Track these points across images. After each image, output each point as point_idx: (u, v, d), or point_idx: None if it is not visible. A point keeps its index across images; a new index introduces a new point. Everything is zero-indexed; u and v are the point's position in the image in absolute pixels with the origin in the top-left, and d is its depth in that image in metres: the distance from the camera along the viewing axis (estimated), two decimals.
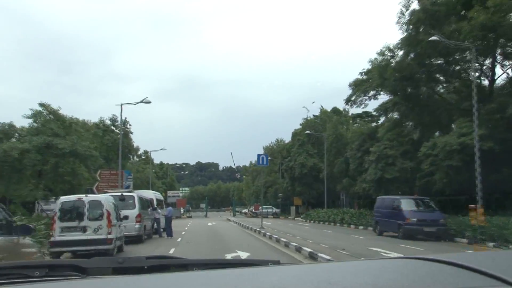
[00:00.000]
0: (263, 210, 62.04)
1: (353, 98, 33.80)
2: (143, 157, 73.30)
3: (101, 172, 36.79)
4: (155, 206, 21.97)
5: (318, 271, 1.36)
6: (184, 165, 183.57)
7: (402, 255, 1.62)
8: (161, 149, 56.00)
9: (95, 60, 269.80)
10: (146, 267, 1.78)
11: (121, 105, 30.59)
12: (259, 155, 23.78)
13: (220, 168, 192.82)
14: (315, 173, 57.28)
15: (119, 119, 42.78)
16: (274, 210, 59.96)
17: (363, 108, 34.74)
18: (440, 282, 1.07)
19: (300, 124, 66.93)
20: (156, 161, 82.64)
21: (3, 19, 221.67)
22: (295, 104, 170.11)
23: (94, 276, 1.66)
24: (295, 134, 64.90)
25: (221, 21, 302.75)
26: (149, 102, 30.77)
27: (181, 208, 60.15)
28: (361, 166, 33.07)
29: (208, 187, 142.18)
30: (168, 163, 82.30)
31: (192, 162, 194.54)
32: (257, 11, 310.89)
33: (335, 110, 62.92)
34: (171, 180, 77.04)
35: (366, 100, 33.24)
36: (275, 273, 1.34)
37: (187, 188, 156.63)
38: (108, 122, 41.88)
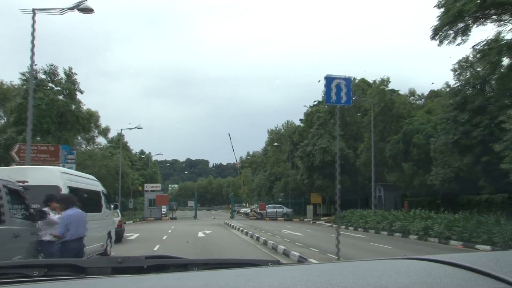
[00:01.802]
0: (270, 210, 47.95)
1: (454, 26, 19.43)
2: (125, 144, 58.99)
3: (20, 148, 22.35)
4: (44, 208, 7.42)
5: (320, 271, 1.32)
6: (173, 162, 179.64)
7: (404, 256, 1.43)
8: (136, 127, 41.58)
9: (85, 57, 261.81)
10: (145, 266, 1.75)
11: (33, 11, 16.09)
12: (329, 79, 9.24)
13: (210, 165, 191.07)
14: (341, 161, 43.16)
15: (61, 71, 28.11)
16: (285, 210, 45.74)
17: (459, 44, 20.43)
18: (442, 283, 1.06)
19: (315, 103, 52.75)
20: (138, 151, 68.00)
21: None
22: (291, 103, 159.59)
23: (93, 276, 1.63)
24: (309, 113, 50.64)
25: (214, 18, 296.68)
26: (91, 10, 16.50)
27: (163, 206, 45.62)
28: (466, 136, 18.93)
29: (198, 182, 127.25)
30: (150, 152, 67.64)
31: (182, 159, 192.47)
32: (252, 8, 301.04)
33: (363, 81, 48.74)
34: (153, 172, 62.20)
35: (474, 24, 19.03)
36: (275, 274, 1.33)
37: (176, 185, 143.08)
38: (42, 76, 27.09)
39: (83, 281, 1.46)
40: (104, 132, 48.50)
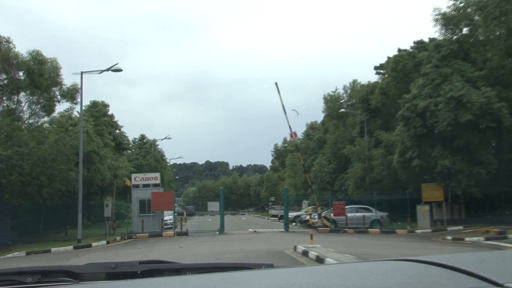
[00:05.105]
0: (351, 214, 28.33)
1: None
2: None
3: None
4: None
5: (308, 274, 1.32)
6: (192, 165, 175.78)
7: (392, 258, 1.45)
8: (111, 69, 22.89)
9: (101, 63, 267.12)
10: (139, 272, 1.73)
11: None
12: None
13: (230, 168, 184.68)
14: (487, 122, 23.55)
15: None
16: (377, 214, 26.18)
17: None
18: (427, 283, 1.07)
19: (434, 38, 32.98)
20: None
21: (12, 23, 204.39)
22: (313, 104, 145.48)
23: (87, 281, 1.61)
24: (397, 58, 31.07)
25: (228, 21, 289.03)
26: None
27: (166, 212, 26.66)
28: None
29: (220, 180, 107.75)
30: (154, 139, 48.77)
31: (201, 162, 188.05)
32: (267, 9, 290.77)
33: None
34: (154, 161, 42.90)
35: None
36: (265, 276, 1.33)
37: (194, 188, 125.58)
38: None
39: (76, 287, 1.43)
40: (71, 94, 29.90)
